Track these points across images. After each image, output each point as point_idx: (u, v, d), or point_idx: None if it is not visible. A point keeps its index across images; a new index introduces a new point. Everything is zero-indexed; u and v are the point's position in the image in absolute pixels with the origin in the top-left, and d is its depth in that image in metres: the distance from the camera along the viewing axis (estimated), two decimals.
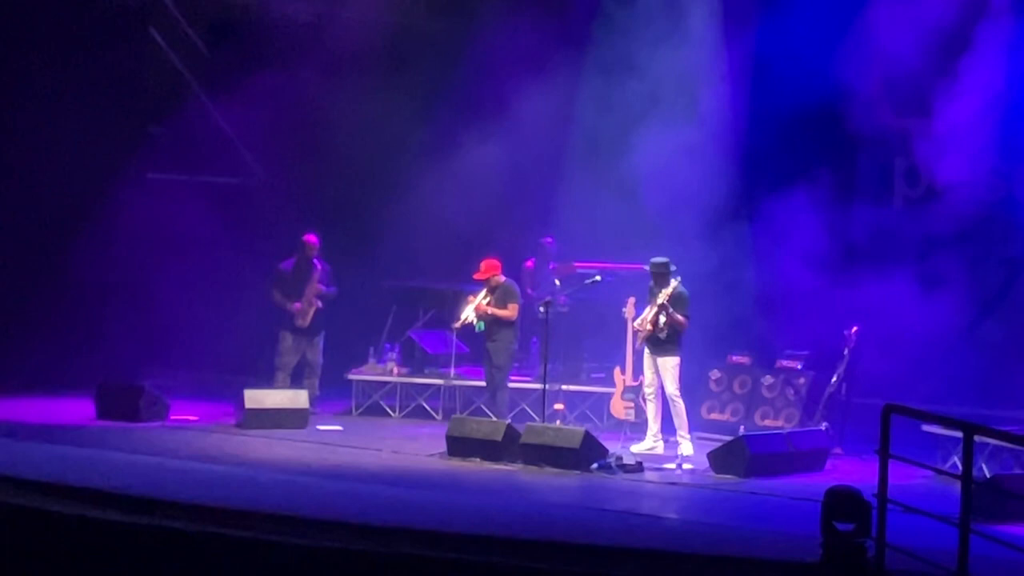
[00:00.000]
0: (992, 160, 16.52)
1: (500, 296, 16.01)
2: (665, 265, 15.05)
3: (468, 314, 16.07)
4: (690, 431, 15.04)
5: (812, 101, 16.75)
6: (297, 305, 16.82)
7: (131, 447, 14.10)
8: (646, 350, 15.15)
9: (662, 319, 14.88)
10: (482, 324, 16.02)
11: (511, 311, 15.98)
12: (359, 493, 12.04)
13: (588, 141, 17.85)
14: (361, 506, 11.06)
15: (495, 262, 16.10)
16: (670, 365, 15.01)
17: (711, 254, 16.26)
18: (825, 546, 8.79)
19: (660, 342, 15.02)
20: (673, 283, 14.96)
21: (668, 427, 15.18)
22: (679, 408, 15.00)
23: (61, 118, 17.82)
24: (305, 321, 16.86)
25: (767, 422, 16.30)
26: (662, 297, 14.89)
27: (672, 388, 14.98)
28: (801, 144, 17.23)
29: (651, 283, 15.20)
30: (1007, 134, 16.58)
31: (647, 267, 15.23)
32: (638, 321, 15.18)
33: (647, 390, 15.17)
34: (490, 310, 15.97)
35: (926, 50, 16.27)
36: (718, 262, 16.15)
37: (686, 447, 14.83)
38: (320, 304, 16.89)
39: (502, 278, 16.08)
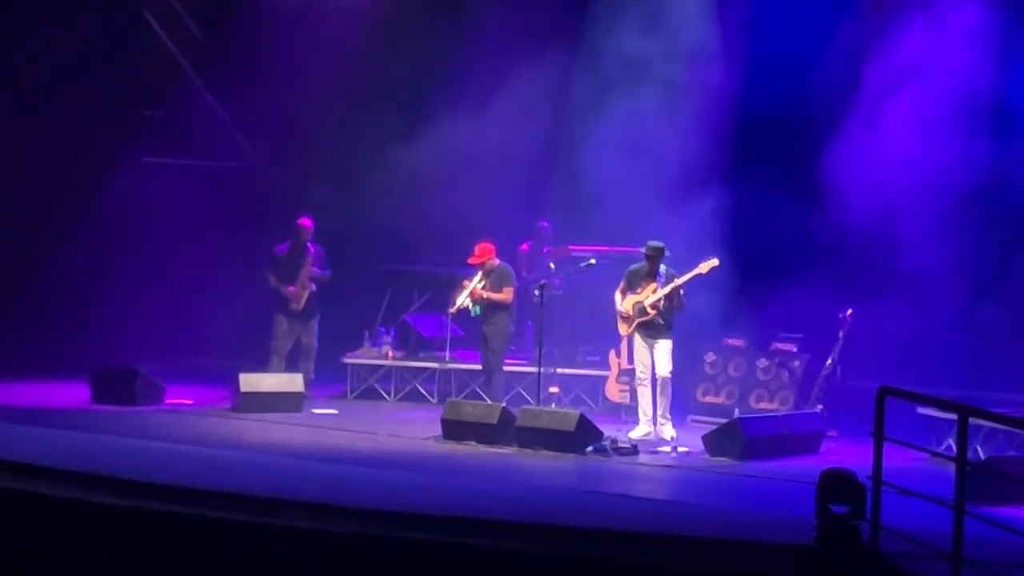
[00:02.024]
0: (985, 143, 16.53)
1: (495, 279, 16.00)
2: (662, 250, 14.97)
3: (463, 299, 16.06)
4: (685, 414, 15.04)
5: (809, 78, 16.83)
6: (291, 289, 16.81)
7: (127, 431, 14.09)
8: (640, 336, 15.02)
9: (663, 304, 14.81)
10: (478, 308, 16.01)
11: (506, 294, 15.97)
12: (354, 476, 12.03)
13: (583, 123, 17.82)
14: (356, 489, 11.05)
15: (489, 246, 16.09)
16: (669, 347, 14.94)
17: (706, 236, 16.24)
18: (820, 528, 8.80)
19: (660, 326, 14.92)
20: (663, 267, 14.91)
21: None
22: (669, 390, 14.96)
23: (56, 102, 17.80)
24: (299, 305, 16.86)
25: (762, 405, 16.31)
26: (678, 281, 14.75)
27: (668, 370, 14.91)
28: (792, 118, 17.21)
29: (637, 266, 15.03)
30: (999, 117, 16.62)
31: (643, 250, 15.13)
32: (628, 306, 15.08)
33: (642, 376, 15.02)
34: (485, 294, 15.96)
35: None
36: (712, 243, 16.11)
37: (668, 429, 14.80)
38: (314, 287, 16.89)
39: (496, 261, 16.08)
